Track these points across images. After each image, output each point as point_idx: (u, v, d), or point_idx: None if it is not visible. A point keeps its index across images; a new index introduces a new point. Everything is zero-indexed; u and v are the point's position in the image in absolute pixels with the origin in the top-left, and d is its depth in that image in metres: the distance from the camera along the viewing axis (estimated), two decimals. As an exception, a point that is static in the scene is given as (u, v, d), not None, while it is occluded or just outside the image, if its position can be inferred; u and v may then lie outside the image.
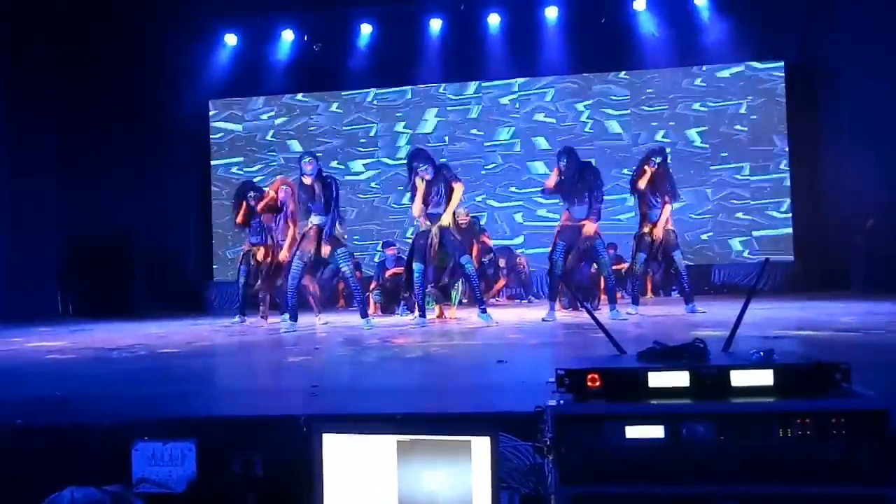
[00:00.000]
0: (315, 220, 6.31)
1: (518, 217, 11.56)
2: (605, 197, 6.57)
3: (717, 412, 1.49)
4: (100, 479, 2.00)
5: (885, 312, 5.77)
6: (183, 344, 5.27)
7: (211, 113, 12.29)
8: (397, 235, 11.23)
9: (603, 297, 7.49)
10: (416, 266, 6.30)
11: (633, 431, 1.50)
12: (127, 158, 10.63)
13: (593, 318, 1.98)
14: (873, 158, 9.37)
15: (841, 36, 10.14)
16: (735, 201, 11.12)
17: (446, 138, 11.78)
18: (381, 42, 11.57)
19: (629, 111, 11.48)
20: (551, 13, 11.23)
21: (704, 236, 11.09)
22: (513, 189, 11.63)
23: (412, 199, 6.27)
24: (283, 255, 6.92)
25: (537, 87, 11.71)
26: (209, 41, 11.68)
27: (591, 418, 1.53)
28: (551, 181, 6.56)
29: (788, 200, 10.95)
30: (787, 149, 11.01)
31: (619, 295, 7.19)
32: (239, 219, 7.40)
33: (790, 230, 10.91)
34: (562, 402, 1.56)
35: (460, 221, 6.94)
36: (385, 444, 1.64)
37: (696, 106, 11.30)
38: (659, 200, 6.72)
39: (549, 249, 6.66)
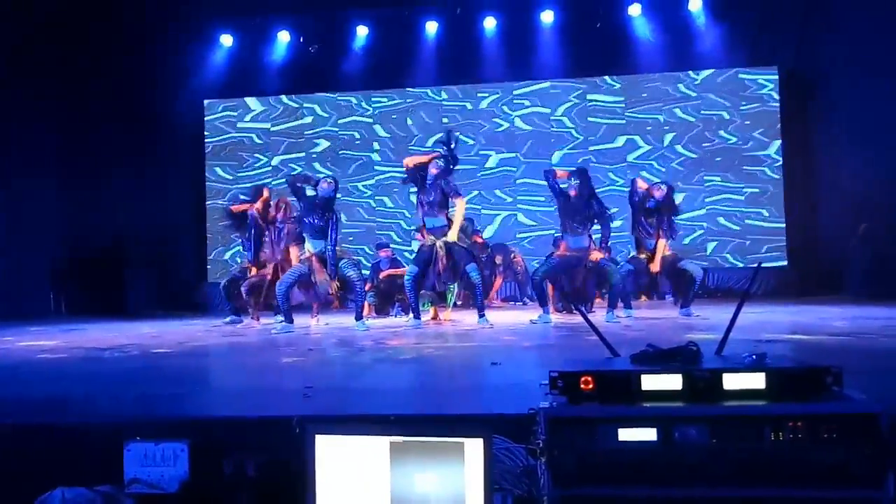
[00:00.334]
0: (311, 247, 6.30)
1: (511, 220, 11.57)
2: (602, 212, 6.51)
3: (710, 415, 1.50)
4: (91, 479, 1.98)
5: (877, 317, 5.80)
6: (176, 344, 5.26)
7: (206, 113, 12.26)
8: (392, 237, 11.23)
9: (598, 300, 7.50)
10: (410, 268, 6.33)
11: (626, 434, 1.50)
12: (121, 158, 10.60)
13: (587, 320, 1.98)
14: (866, 163, 9.42)
15: (834, 42, 10.20)
16: (728, 206, 11.15)
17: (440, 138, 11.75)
18: (377, 44, 11.57)
19: (623, 116, 11.51)
20: (547, 17, 11.26)
21: (697, 241, 11.12)
22: (508, 190, 11.63)
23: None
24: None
25: (532, 91, 11.73)
26: (205, 42, 11.66)
27: (584, 420, 1.53)
28: (561, 177, 6.50)
29: (782, 205, 10.99)
30: (780, 153, 11.05)
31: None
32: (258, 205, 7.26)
33: (783, 234, 10.95)
34: (555, 404, 1.57)
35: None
36: (378, 446, 1.63)
37: (690, 110, 11.33)
38: (653, 231, 6.72)
39: (537, 261, 6.66)
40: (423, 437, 1.62)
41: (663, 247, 6.73)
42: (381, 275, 8.65)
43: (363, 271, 7.24)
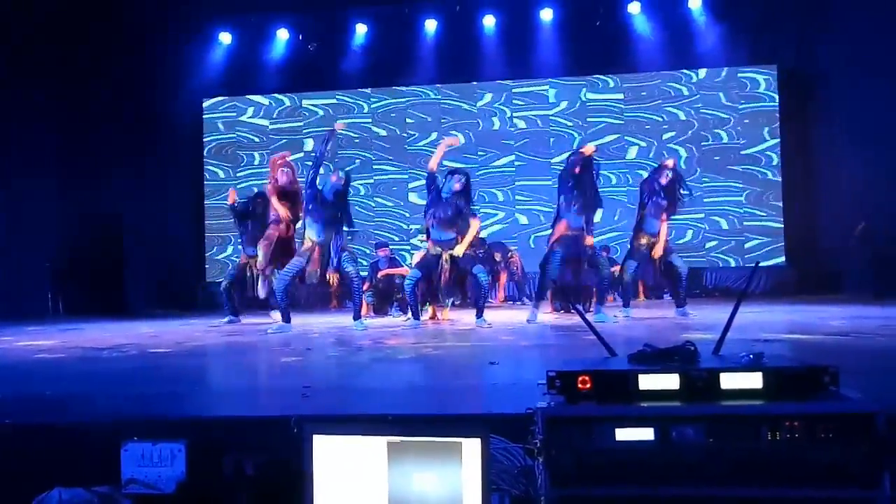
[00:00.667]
0: (314, 236, 6.11)
1: (510, 219, 11.56)
2: (601, 199, 6.61)
3: (707, 415, 1.50)
4: (88, 479, 1.98)
5: (875, 316, 5.80)
6: (174, 344, 5.25)
7: (205, 112, 12.25)
8: (390, 237, 11.23)
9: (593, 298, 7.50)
10: (413, 272, 6.31)
11: (623, 434, 1.51)
12: (119, 158, 10.60)
13: (585, 320, 1.98)
14: (865, 163, 9.43)
15: (834, 42, 10.21)
16: (726, 205, 11.16)
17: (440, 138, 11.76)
18: (376, 42, 11.56)
19: (622, 115, 11.51)
20: (546, 15, 11.25)
21: (695, 240, 11.13)
22: (506, 190, 11.63)
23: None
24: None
25: (531, 89, 11.72)
26: (204, 40, 11.65)
27: (581, 420, 1.53)
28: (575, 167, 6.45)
29: (780, 204, 11.00)
30: (779, 153, 11.06)
31: (610, 298, 7.19)
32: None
33: (781, 234, 10.96)
34: (552, 403, 1.57)
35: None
36: (375, 446, 1.63)
37: (689, 109, 11.33)
38: (659, 212, 6.72)
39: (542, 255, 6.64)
40: (420, 437, 1.62)
41: (665, 231, 6.77)
42: (380, 274, 8.64)
43: (361, 272, 7.19)
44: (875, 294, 8.22)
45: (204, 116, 12.23)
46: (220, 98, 12.18)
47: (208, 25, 11.55)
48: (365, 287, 8.68)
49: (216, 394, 3.21)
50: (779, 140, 11.06)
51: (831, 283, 9.74)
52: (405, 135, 11.89)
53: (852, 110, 9.70)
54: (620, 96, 11.53)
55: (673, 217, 6.95)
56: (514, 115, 11.74)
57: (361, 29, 11.57)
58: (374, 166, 11.94)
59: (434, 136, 11.56)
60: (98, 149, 10.52)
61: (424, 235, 6.61)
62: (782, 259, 10.86)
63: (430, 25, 11.50)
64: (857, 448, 1.43)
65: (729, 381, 1.55)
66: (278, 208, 6.60)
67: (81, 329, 7.14)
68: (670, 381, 1.56)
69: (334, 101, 12.07)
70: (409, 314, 6.44)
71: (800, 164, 10.93)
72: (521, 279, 10.21)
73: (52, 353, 4.74)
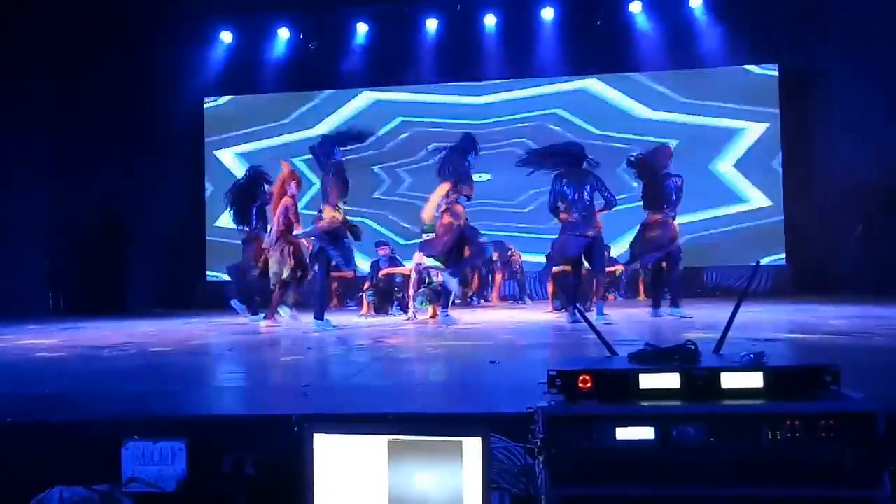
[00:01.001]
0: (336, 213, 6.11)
1: (509, 219, 11.56)
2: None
3: (708, 414, 1.50)
4: (89, 478, 1.98)
5: (875, 316, 5.80)
6: (175, 342, 5.25)
7: (205, 111, 12.23)
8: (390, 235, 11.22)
9: (595, 298, 7.50)
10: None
11: (624, 433, 1.50)
12: (120, 157, 10.59)
13: (585, 319, 1.98)
14: (865, 162, 9.42)
15: (834, 41, 10.20)
16: (727, 205, 11.15)
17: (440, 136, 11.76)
18: (377, 41, 11.56)
19: (623, 113, 11.49)
20: (547, 14, 11.25)
21: (696, 239, 11.11)
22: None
23: None
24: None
25: (532, 88, 11.71)
26: (205, 39, 11.64)
27: (582, 419, 1.53)
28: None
29: (781, 203, 10.99)
30: (780, 152, 11.05)
31: (611, 297, 7.18)
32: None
33: (782, 233, 10.95)
34: (553, 403, 1.57)
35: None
36: (376, 445, 1.63)
37: (690, 108, 11.32)
38: (669, 204, 6.75)
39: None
40: (421, 436, 1.63)
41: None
42: (380, 273, 8.64)
43: (357, 271, 7.18)
44: (867, 293, 8.19)
45: (204, 115, 12.22)
46: (220, 96, 12.16)
47: (209, 24, 11.54)
48: (366, 286, 8.70)
49: (217, 392, 3.21)
50: (780, 138, 11.04)
51: (831, 283, 9.73)
52: (404, 134, 11.87)
53: (854, 110, 9.69)
54: (621, 94, 11.52)
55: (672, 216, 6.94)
56: (515, 113, 11.72)
57: (362, 28, 11.55)
58: (373, 166, 11.93)
59: (434, 133, 11.53)
60: (98, 148, 10.52)
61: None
62: (782, 259, 10.86)
63: (431, 24, 11.49)
64: (858, 447, 1.43)
65: (730, 380, 1.55)
66: (292, 218, 6.64)
67: (82, 327, 7.14)
68: (671, 381, 1.56)
69: (334, 99, 12.04)
70: (410, 311, 6.45)
71: (800, 163, 10.92)
72: (522, 278, 10.18)
73: (53, 351, 4.74)
